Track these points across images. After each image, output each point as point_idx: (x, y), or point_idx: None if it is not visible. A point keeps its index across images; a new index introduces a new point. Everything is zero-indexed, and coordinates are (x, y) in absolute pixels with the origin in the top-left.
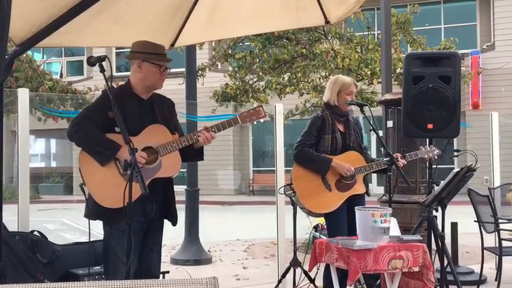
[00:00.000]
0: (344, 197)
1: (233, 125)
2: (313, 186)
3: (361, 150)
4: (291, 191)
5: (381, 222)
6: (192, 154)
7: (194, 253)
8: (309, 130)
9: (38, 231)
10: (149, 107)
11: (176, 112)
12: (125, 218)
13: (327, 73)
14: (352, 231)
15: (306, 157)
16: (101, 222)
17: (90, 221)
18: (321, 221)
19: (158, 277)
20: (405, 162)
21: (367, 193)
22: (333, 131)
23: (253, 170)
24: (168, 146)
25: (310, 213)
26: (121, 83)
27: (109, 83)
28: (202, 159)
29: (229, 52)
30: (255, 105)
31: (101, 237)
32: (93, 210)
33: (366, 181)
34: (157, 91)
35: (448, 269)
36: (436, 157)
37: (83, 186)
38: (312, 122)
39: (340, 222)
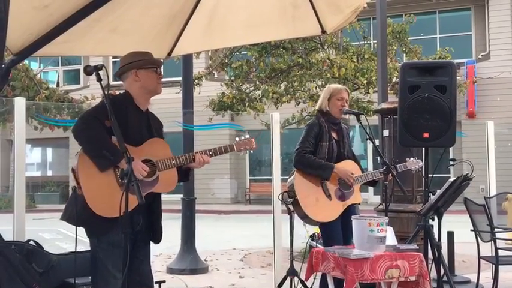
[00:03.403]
0: (343, 206)
1: (229, 151)
2: (315, 194)
3: (355, 158)
4: (290, 199)
5: (378, 231)
6: (180, 175)
7: (190, 262)
8: (306, 137)
9: (34, 241)
10: (146, 119)
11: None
12: (112, 230)
13: (323, 82)
14: (346, 241)
15: (308, 163)
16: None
17: (81, 229)
18: (318, 230)
19: (153, 287)
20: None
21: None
22: (329, 139)
23: (249, 179)
24: (167, 162)
25: (309, 221)
26: (118, 92)
27: (106, 92)
28: (188, 180)
29: (226, 61)
30: (251, 113)
31: None
32: (80, 215)
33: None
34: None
35: (445, 278)
36: (420, 169)
37: (76, 190)
38: (309, 129)
39: (335, 231)
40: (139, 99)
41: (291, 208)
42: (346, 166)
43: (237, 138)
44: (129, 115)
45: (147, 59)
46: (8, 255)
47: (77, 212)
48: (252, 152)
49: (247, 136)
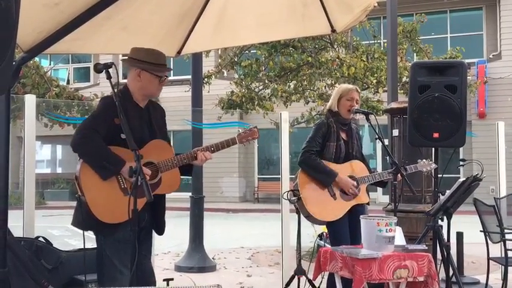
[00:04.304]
0: (348, 206)
1: (231, 144)
2: (319, 193)
3: (363, 159)
4: (295, 198)
5: (386, 231)
6: (182, 170)
7: (198, 260)
8: (314, 136)
9: (43, 237)
10: (146, 115)
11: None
12: (118, 229)
13: (332, 81)
14: (354, 240)
15: (312, 166)
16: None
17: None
18: (325, 229)
19: (155, 284)
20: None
21: (368, 202)
22: (338, 139)
23: (258, 178)
24: (169, 163)
25: (314, 220)
26: None
27: (115, 90)
28: (191, 176)
29: (236, 60)
30: (260, 112)
31: None
32: (86, 221)
33: (367, 190)
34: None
35: (454, 279)
36: (432, 171)
37: (80, 197)
38: (317, 128)
39: (343, 231)
40: (137, 96)
41: (298, 206)
42: (351, 167)
43: (239, 130)
44: (130, 115)
45: (153, 65)
46: (18, 251)
47: (83, 219)
48: (256, 142)
49: (249, 126)
